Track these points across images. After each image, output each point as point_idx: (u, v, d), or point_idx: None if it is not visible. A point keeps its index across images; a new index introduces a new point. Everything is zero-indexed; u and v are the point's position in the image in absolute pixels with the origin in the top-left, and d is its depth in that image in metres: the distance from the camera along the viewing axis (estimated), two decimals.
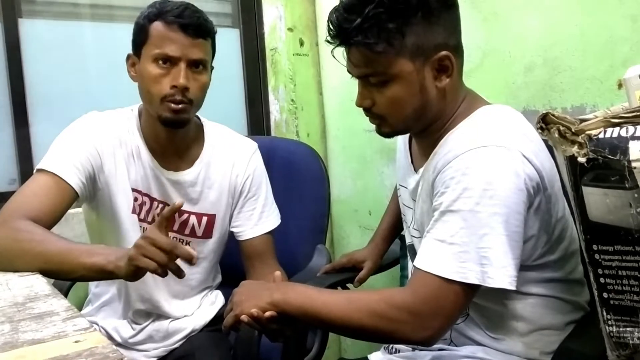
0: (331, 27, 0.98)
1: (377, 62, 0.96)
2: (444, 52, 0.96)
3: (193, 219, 1.32)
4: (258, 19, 2.23)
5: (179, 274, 0.99)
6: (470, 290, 0.90)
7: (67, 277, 1.11)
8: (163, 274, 0.97)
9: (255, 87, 2.26)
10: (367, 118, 1.06)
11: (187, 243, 1.32)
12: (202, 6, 2.20)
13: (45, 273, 1.02)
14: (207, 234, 1.34)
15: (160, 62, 1.17)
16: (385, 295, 0.96)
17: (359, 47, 0.96)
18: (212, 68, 1.29)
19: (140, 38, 1.21)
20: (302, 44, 2.18)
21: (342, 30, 0.96)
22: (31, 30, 1.81)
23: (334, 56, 1.01)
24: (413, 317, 0.91)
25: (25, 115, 1.80)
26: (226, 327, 0.99)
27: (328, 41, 0.99)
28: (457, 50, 1.00)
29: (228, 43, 2.21)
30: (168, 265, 0.96)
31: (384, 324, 0.92)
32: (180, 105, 1.18)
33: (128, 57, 1.25)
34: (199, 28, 1.18)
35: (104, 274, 1.01)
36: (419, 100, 0.99)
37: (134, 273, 0.97)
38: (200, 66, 1.20)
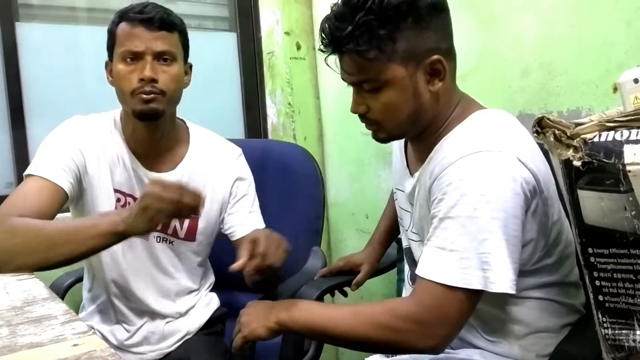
0: (323, 36, 0.98)
1: (369, 69, 0.96)
2: (435, 56, 0.97)
3: (175, 221, 1.32)
4: (255, 23, 2.24)
5: (196, 210, 1.04)
6: (474, 296, 0.91)
7: (72, 256, 1.07)
8: (182, 214, 1.07)
9: (252, 90, 2.26)
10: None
11: (171, 242, 1.33)
12: (199, 10, 2.22)
13: (48, 262, 1.03)
14: (190, 236, 1.35)
15: (128, 59, 1.19)
16: (389, 306, 0.97)
17: (351, 55, 0.96)
18: (190, 65, 1.30)
19: (110, 43, 1.24)
20: (299, 47, 2.19)
21: (334, 38, 0.96)
22: (28, 33, 1.82)
23: (327, 64, 1.01)
24: (418, 326, 0.91)
25: (22, 119, 1.80)
26: (236, 348, 1.01)
27: (321, 50, 1.00)
28: (449, 54, 1.01)
29: (225, 47, 2.22)
30: (183, 199, 1.02)
31: (389, 335, 0.93)
32: (150, 95, 1.19)
33: (106, 64, 1.27)
34: (161, 21, 1.20)
35: (115, 237, 1.04)
36: (413, 105, 0.99)
37: (149, 222, 1.02)
38: (168, 59, 1.21)
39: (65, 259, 1.07)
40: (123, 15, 1.21)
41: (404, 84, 0.97)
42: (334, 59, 1.00)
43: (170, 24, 1.21)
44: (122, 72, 1.20)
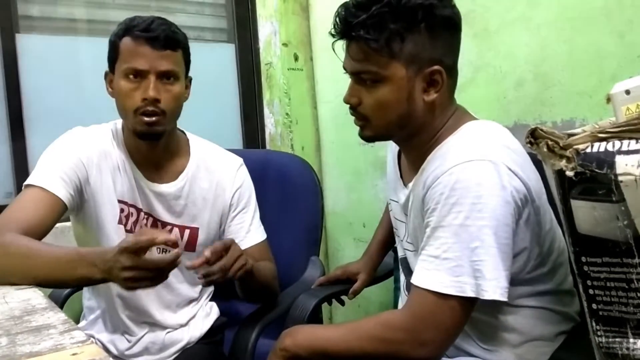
0: (337, 21, 1.00)
1: (372, 60, 0.98)
2: (436, 67, 0.99)
3: (175, 231, 1.32)
4: (253, 34, 2.26)
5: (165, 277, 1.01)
6: (467, 304, 0.92)
7: (62, 287, 1.10)
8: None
9: (250, 101, 2.28)
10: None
11: None
12: (198, 22, 2.23)
13: (39, 285, 1.02)
14: (190, 247, 1.34)
15: (131, 76, 1.19)
16: (383, 318, 0.99)
17: (358, 42, 0.98)
18: (190, 79, 1.30)
19: (112, 55, 1.23)
20: (296, 58, 2.20)
21: (347, 23, 0.98)
22: (28, 45, 1.83)
23: (334, 50, 1.03)
24: (410, 335, 0.93)
25: (22, 130, 1.81)
26: None
27: (331, 34, 1.02)
28: (451, 70, 1.02)
29: (224, 58, 2.24)
30: (161, 278, 0.99)
31: (384, 347, 0.94)
32: (153, 118, 1.19)
33: (106, 74, 1.26)
34: (167, 40, 1.19)
35: (95, 282, 1.05)
36: (405, 109, 1.01)
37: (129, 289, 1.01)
38: (171, 78, 1.21)
39: (55, 287, 1.08)
40: (128, 30, 1.20)
41: (401, 85, 0.99)
42: (340, 45, 1.02)
43: (174, 42, 1.21)
44: (125, 89, 1.19)
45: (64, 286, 1.05)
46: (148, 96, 1.17)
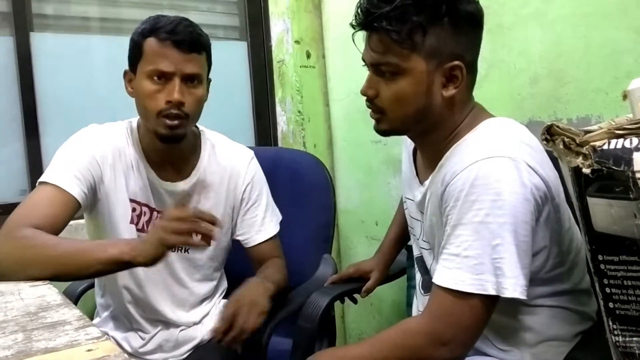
0: (359, 12, 1.00)
1: (393, 52, 0.97)
2: (457, 62, 0.98)
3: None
4: (265, 32, 2.26)
5: (210, 238, 1.07)
6: (488, 302, 0.91)
7: (81, 275, 1.12)
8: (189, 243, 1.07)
9: (262, 98, 2.28)
10: (373, 130, 1.08)
11: (186, 251, 1.34)
12: (210, 20, 2.24)
13: (58, 276, 1.04)
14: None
15: (155, 78, 1.18)
16: (403, 326, 0.99)
17: (380, 33, 0.97)
18: (209, 80, 1.29)
19: (135, 55, 1.22)
20: (308, 56, 2.20)
21: (369, 14, 0.98)
22: (42, 43, 1.85)
23: (353, 40, 1.03)
24: (430, 337, 0.92)
25: (36, 127, 1.83)
26: None
27: (352, 25, 1.01)
28: (471, 67, 1.02)
29: (236, 56, 2.24)
30: (198, 229, 1.04)
31: (406, 354, 0.95)
32: (175, 121, 1.19)
33: (125, 73, 1.26)
34: (192, 43, 1.19)
35: (120, 265, 1.06)
36: (422, 103, 1.00)
37: (160, 256, 1.05)
38: (195, 80, 1.21)
39: (74, 277, 1.14)
40: (153, 31, 1.19)
41: (420, 78, 0.98)
42: (360, 36, 1.02)
43: (200, 45, 1.21)
44: (148, 91, 1.19)
45: (85, 272, 1.06)
46: (173, 99, 1.17)
